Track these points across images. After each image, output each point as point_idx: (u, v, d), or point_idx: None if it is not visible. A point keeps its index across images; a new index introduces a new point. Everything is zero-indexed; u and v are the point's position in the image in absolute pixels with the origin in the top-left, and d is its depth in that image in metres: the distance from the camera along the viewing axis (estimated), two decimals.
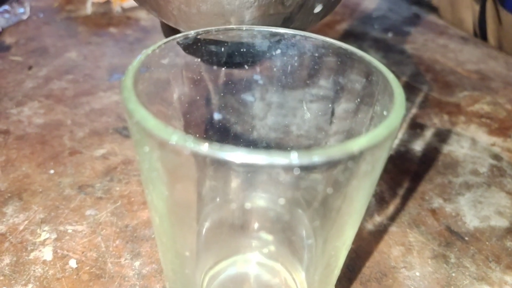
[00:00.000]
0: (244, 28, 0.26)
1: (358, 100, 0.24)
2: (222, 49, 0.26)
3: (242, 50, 0.27)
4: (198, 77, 0.26)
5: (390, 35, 0.82)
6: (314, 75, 0.27)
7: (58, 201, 0.41)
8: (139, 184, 0.43)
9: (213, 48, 0.26)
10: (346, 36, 0.81)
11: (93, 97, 0.57)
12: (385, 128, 0.17)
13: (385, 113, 0.21)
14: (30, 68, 0.62)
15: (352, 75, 0.25)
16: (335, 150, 0.16)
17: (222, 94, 0.26)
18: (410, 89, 0.64)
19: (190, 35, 0.24)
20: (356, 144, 0.16)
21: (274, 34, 0.26)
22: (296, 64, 0.27)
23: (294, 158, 0.15)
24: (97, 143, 0.49)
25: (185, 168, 0.17)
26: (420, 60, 0.73)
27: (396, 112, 0.18)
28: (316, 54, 0.26)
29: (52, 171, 0.45)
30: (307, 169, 0.16)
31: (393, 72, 0.67)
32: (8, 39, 0.69)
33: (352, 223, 0.21)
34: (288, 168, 0.16)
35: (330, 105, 0.27)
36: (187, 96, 0.25)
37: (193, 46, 0.25)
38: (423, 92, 0.64)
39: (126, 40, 0.72)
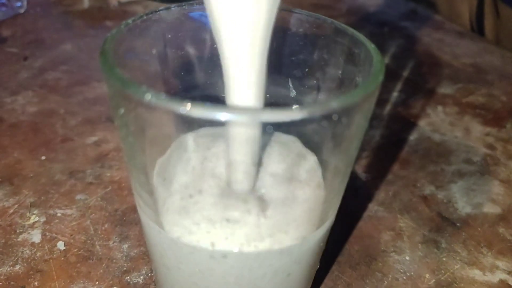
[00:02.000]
0: None
1: (341, 73, 0.24)
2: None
3: None
4: (182, 52, 0.26)
5: (386, 29, 0.82)
6: (299, 51, 0.27)
7: (48, 186, 0.41)
8: None
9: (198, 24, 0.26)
10: None
11: (87, 87, 0.57)
12: (361, 91, 0.17)
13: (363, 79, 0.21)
14: (25, 59, 0.62)
15: (335, 49, 0.25)
16: (308, 109, 0.16)
17: (204, 70, 0.26)
18: (404, 81, 0.64)
19: (172, 7, 0.24)
20: (331, 104, 0.16)
21: None
22: (280, 40, 0.27)
23: (265, 115, 0.15)
24: (90, 130, 0.49)
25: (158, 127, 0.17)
26: (416, 54, 0.73)
27: (374, 76, 0.18)
28: (301, 30, 0.26)
29: (43, 157, 0.45)
30: (280, 126, 0.16)
31: (386, 64, 0.67)
32: (5, 32, 0.70)
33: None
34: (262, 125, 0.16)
35: (315, 82, 0.26)
36: (169, 66, 0.25)
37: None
38: (418, 84, 0.64)
39: None
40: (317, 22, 0.25)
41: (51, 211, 0.38)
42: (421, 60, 0.71)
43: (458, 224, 0.40)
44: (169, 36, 0.25)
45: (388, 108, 0.57)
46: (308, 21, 0.26)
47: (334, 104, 0.16)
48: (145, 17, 0.23)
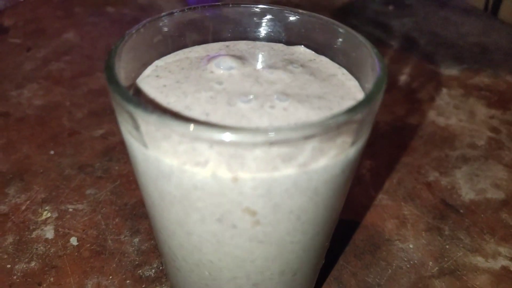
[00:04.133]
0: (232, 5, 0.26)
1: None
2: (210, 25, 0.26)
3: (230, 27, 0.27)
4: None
5: (391, 8, 0.81)
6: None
7: (58, 181, 0.42)
8: None
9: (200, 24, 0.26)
10: (346, 10, 0.80)
11: (91, 78, 0.57)
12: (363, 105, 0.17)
13: (367, 85, 0.21)
14: (28, 50, 0.62)
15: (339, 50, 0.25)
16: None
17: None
18: (409, 63, 0.64)
19: (175, 13, 0.25)
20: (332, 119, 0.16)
21: (263, 11, 0.26)
22: (283, 40, 0.27)
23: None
24: (96, 123, 0.49)
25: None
26: (421, 34, 0.72)
27: (376, 85, 0.18)
28: (303, 30, 0.26)
29: (52, 152, 0.45)
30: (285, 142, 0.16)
31: (391, 45, 0.66)
32: (6, 21, 0.69)
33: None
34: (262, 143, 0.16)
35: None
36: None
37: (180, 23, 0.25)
38: (423, 65, 0.64)
39: (123, 20, 0.72)
40: (319, 22, 0.25)
41: (62, 207, 0.39)
42: (426, 40, 0.70)
43: (461, 211, 0.41)
44: (173, 41, 0.25)
45: (392, 92, 0.57)
46: (311, 22, 0.25)
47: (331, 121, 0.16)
48: (147, 24, 0.23)
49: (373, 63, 0.21)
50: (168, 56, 0.25)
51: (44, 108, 0.51)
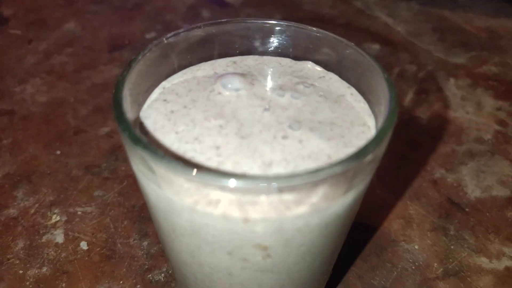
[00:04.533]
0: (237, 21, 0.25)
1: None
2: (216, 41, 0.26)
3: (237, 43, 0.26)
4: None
5: None
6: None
7: (66, 182, 0.42)
8: None
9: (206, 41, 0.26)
10: None
11: (94, 71, 0.56)
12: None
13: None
14: (30, 42, 0.61)
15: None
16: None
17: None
18: (415, 51, 0.63)
19: (180, 32, 0.24)
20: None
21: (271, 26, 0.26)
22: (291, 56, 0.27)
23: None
24: (101, 120, 0.49)
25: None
26: (428, 18, 0.71)
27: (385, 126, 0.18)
28: (311, 46, 0.26)
29: (58, 152, 0.45)
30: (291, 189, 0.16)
31: (398, 32, 0.64)
32: (6, 11, 0.68)
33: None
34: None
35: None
36: None
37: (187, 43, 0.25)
38: (430, 53, 0.63)
39: (124, 7, 0.71)
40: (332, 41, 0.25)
41: (71, 210, 0.40)
42: (433, 26, 0.69)
43: (467, 210, 0.41)
44: (180, 60, 0.25)
45: (399, 83, 0.57)
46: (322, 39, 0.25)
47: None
48: (153, 48, 0.23)
49: (383, 89, 0.21)
50: (175, 75, 0.25)
51: (49, 104, 0.51)
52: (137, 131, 0.20)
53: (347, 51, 0.24)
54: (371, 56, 0.23)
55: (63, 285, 0.34)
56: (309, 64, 0.26)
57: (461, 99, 0.55)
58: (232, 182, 0.15)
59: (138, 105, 0.23)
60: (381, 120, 0.21)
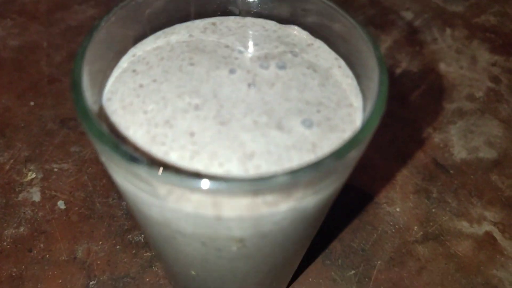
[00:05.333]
0: None
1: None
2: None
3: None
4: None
5: None
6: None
7: (41, 137, 0.41)
8: None
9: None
10: None
11: (68, 12, 0.52)
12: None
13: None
14: None
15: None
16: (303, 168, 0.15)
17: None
18: None
19: None
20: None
21: None
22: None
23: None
24: None
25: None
26: None
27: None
28: (299, 9, 0.23)
29: (32, 103, 0.43)
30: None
31: None
32: None
33: None
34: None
35: None
36: None
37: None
38: (427, 0, 0.59)
39: None
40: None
41: (47, 166, 0.38)
42: None
43: (451, 172, 0.41)
44: (152, 21, 0.23)
45: (393, 32, 0.54)
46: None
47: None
48: (118, 11, 0.20)
49: (373, 68, 0.19)
50: (148, 40, 0.22)
51: (21, 49, 0.48)
52: (99, 122, 0.18)
53: (336, 18, 0.21)
54: (363, 28, 0.20)
55: (41, 245, 0.34)
56: (295, 30, 0.23)
57: (455, 52, 0.53)
58: (203, 184, 0.14)
59: (103, 77, 0.20)
60: (369, 102, 0.19)
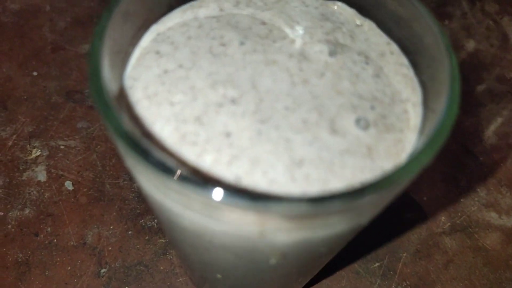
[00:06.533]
0: None
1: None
2: None
3: None
4: None
5: None
6: None
7: (45, 110, 0.38)
8: None
9: None
10: None
11: None
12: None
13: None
14: None
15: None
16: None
17: None
18: None
19: None
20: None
21: None
22: None
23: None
24: (81, 35, 0.43)
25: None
26: None
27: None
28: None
29: (35, 73, 0.40)
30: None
31: None
32: None
33: None
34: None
35: None
36: None
37: None
38: None
39: None
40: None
41: (52, 143, 0.36)
42: None
43: (481, 159, 0.39)
44: None
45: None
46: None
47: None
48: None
49: (440, 59, 0.16)
50: (172, 14, 0.19)
51: (22, 14, 0.44)
52: (125, 121, 0.15)
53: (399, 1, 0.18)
54: (422, 5, 0.17)
55: (48, 229, 0.32)
56: (337, 5, 0.20)
57: (486, 29, 0.49)
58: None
59: (124, 58, 0.18)
60: (431, 98, 0.17)
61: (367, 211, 0.14)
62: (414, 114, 0.17)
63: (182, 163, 0.15)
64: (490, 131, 0.41)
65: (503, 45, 0.48)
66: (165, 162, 0.12)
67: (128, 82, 0.17)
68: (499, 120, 0.42)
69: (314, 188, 0.15)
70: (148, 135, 0.16)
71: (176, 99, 0.16)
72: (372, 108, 0.17)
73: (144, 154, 0.12)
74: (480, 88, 0.44)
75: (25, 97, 0.39)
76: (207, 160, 0.15)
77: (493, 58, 0.46)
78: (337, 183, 0.15)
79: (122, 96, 0.17)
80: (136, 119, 0.16)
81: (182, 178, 0.12)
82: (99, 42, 0.15)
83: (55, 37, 0.43)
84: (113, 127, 0.12)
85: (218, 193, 0.11)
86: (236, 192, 0.12)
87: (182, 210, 0.14)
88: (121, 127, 0.13)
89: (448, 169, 0.38)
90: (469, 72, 0.45)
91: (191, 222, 0.15)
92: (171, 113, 0.16)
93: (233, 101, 0.16)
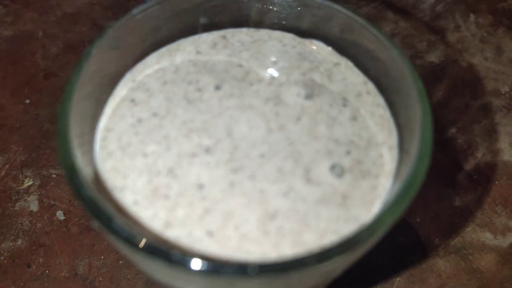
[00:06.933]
0: None
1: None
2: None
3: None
4: None
5: None
6: None
7: (37, 139, 0.38)
8: None
9: None
10: None
11: None
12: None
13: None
14: None
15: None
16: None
17: None
18: None
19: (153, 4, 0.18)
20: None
21: None
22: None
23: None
24: (73, 61, 0.43)
25: None
26: None
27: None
28: (320, 22, 0.20)
29: (27, 101, 0.40)
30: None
31: None
32: None
33: None
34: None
35: None
36: None
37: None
38: None
39: None
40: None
41: (44, 172, 0.36)
42: None
43: (475, 177, 0.38)
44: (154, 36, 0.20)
45: (412, 19, 0.50)
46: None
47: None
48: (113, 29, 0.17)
49: (413, 103, 0.16)
50: (148, 59, 0.20)
51: (15, 40, 0.45)
52: (90, 188, 0.15)
53: (365, 35, 0.18)
54: (397, 48, 0.17)
55: (40, 260, 0.32)
56: (315, 45, 0.20)
57: (480, 42, 0.49)
58: (194, 265, 0.12)
59: (96, 109, 0.18)
60: (406, 140, 0.17)
61: (334, 270, 0.14)
62: (390, 157, 0.17)
63: (154, 214, 0.15)
64: (485, 148, 0.40)
65: (497, 57, 0.47)
66: (128, 230, 0.12)
67: (102, 133, 0.17)
68: (494, 136, 0.41)
69: (287, 241, 0.14)
70: (121, 188, 0.16)
71: (149, 149, 0.16)
72: (348, 153, 0.16)
73: (108, 222, 0.12)
74: (475, 103, 0.43)
75: (18, 125, 0.39)
76: (179, 214, 0.15)
77: (487, 72, 0.46)
78: (310, 234, 0.15)
79: (94, 151, 0.17)
80: (108, 174, 0.16)
81: (147, 247, 0.12)
82: (67, 104, 0.15)
83: (48, 63, 0.43)
84: (76, 192, 0.12)
85: (179, 265, 0.11)
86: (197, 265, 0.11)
87: (151, 272, 0.14)
88: (85, 192, 0.13)
89: (441, 188, 0.37)
90: (463, 87, 0.45)
91: (162, 278, 0.15)
92: (143, 164, 0.16)
93: (207, 150, 0.16)
